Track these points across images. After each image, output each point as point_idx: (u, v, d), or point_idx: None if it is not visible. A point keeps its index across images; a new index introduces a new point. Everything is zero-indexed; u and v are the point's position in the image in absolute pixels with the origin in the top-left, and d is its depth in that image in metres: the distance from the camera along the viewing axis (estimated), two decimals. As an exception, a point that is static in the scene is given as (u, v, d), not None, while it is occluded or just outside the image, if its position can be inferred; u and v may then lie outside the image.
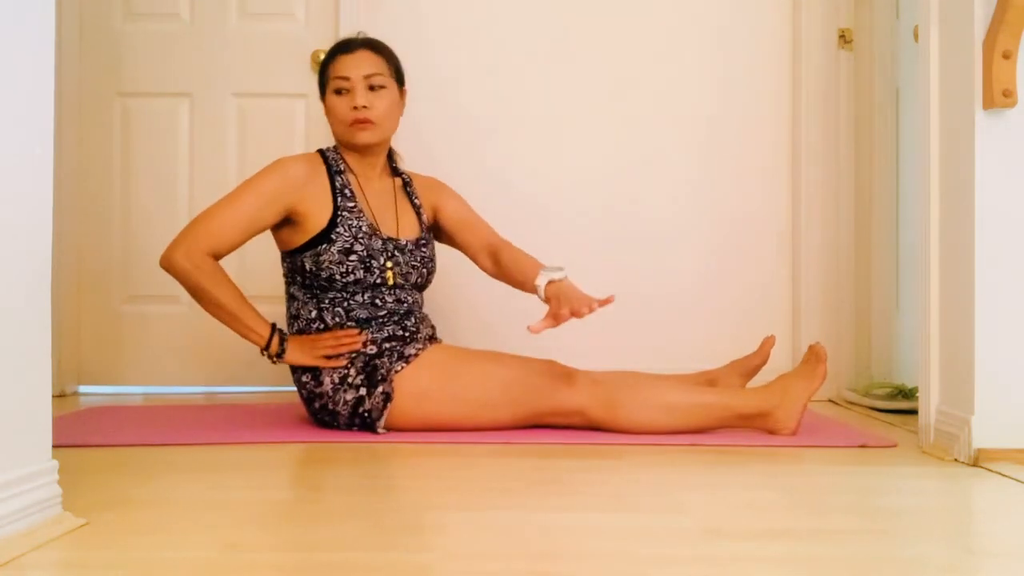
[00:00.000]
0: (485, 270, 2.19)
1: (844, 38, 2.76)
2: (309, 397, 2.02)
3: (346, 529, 1.22)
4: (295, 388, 2.08)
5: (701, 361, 2.41)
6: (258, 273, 2.69)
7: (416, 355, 1.97)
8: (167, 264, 1.94)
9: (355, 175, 2.10)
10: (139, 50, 2.82)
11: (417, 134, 2.66)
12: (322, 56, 2.76)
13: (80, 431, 2.00)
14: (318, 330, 2.01)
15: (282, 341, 1.98)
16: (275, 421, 2.15)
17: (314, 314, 2.02)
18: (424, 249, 2.14)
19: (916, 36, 2.08)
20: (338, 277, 1.99)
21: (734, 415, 1.95)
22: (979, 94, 1.68)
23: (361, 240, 2.01)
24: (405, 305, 2.07)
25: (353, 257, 1.99)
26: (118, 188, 2.83)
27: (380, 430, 1.96)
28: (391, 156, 2.22)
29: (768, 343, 2.19)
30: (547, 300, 1.89)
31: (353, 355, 1.98)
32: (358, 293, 2.02)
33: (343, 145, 2.11)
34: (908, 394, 2.42)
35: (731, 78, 2.82)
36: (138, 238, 2.82)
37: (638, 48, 2.82)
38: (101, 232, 2.83)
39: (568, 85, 2.81)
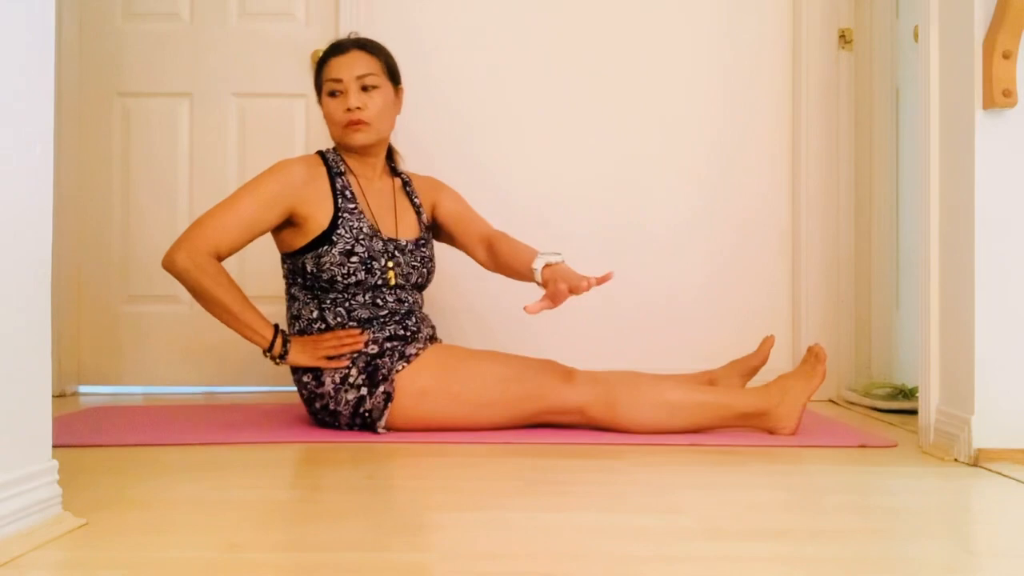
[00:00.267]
0: (482, 263, 2.17)
1: (844, 38, 2.76)
2: (310, 397, 2.02)
3: (346, 529, 1.22)
4: (295, 388, 2.08)
5: (701, 361, 2.42)
6: (258, 274, 2.69)
7: (417, 354, 1.97)
8: (169, 265, 1.93)
9: (355, 176, 2.11)
10: (139, 50, 2.83)
11: (414, 137, 2.67)
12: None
13: (80, 431, 2.00)
14: (319, 330, 2.01)
15: (285, 342, 1.98)
16: (275, 421, 2.15)
17: (316, 314, 2.02)
18: (424, 249, 2.14)
19: (916, 36, 2.08)
20: (339, 278, 1.99)
21: (734, 414, 1.95)
22: (979, 94, 1.68)
23: (362, 241, 2.01)
24: (406, 305, 2.08)
25: (354, 259, 1.99)
26: (118, 188, 2.83)
27: (380, 430, 1.96)
28: (391, 156, 2.22)
29: (767, 343, 2.19)
30: (544, 283, 1.88)
31: (355, 355, 1.98)
32: (359, 294, 2.02)
33: (340, 147, 2.12)
34: (908, 394, 2.42)
35: (731, 78, 2.82)
36: (138, 238, 2.82)
37: (637, 49, 2.81)
38: (101, 232, 2.83)
39: (567, 86, 2.81)
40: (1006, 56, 1.64)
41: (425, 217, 2.20)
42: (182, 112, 2.84)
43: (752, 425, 1.98)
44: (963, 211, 1.72)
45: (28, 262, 1.16)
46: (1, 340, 1.10)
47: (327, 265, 1.98)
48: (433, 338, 2.15)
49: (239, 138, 2.83)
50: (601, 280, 1.79)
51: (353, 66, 2.05)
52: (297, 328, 2.05)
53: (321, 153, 2.12)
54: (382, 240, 2.04)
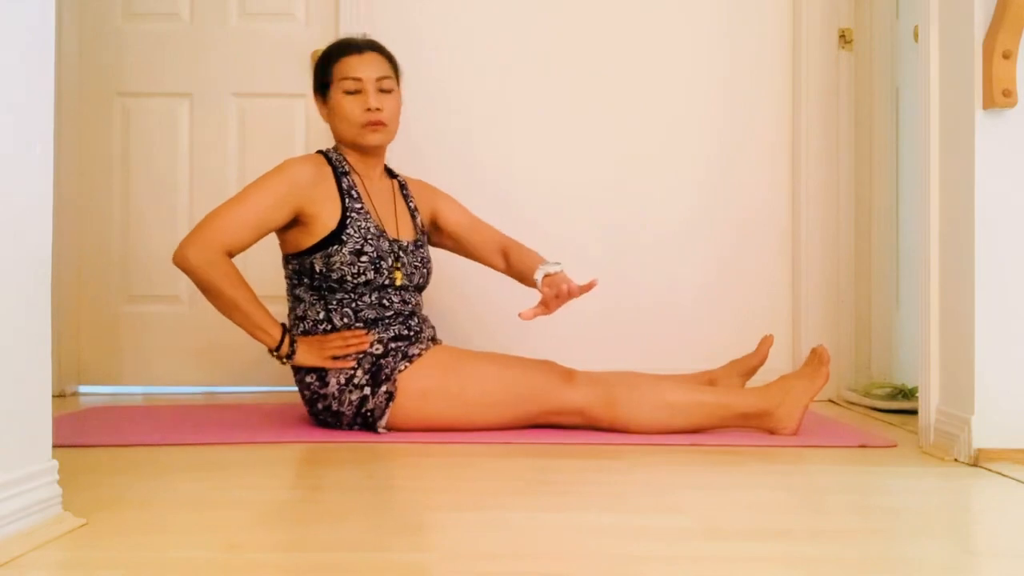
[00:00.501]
0: (497, 268, 2.24)
1: (844, 38, 2.76)
2: (313, 398, 2.01)
3: (346, 529, 1.22)
4: (295, 388, 2.08)
5: (701, 361, 2.42)
6: (258, 273, 2.69)
7: (420, 355, 1.98)
8: (181, 262, 1.92)
9: (359, 176, 2.10)
10: (139, 50, 2.82)
11: (413, 137, 2.66)
12: (321, 56, 2.77)
13: (80, 431, 2.00)
14: (325, 331, 2.01)
15: (292, 342, 1.98)
16: (275, 421, 2.15)
17: (322, 315, 2.01)
18: (422, 251, 2.15)
19: (916, 36, 2.08)
20: (349, 278, 1.99)
21: (735, 414, 1.95)
22: (979, 94, 1.68)
23: (371, 241, 2.01)
24: (409, 306, 2.08)
25: (364, 258, 1.99)
26: (118, 188, 2.83)
27: (381, 429, 1.96)
28: None
29: (766, 343, 2.19)
30: (542, 292, 2.00)
31: (360, 356, 1.98)
32: (366, 294, 2.01)
33: (348, 146, 2.11)
34: (908, 394, 2.42)
35: (731, 78, 2.82)
36: (138, 238, 2.82)
37: (637, 49, 2.81)
38: (101, 232, 2.83)
39: (567, 87, 2.81)
40: (1006, 56, 1.64)
41: (420, 220, 2.20)
42: (182, 112, 2.84)
43: (753, 425, 1.98)
44: (963, 211, 1.72)
45: (28, 262, 1.16)
46: (1, 340, 1.10)
47: (337, 264, 1.98)
48: (434, 339, 2.15)
49: (239, 138, 2.83)
50: (584, 289, 1.91)
51: (372, 67, 2.05)
52: (302, 329, 2.04)
53: (323, 153, 2.11)
54: (388, 240, 2.05)
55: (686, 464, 1.70)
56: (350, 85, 2.04)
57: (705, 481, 1.57)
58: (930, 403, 1.82)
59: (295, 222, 2.01)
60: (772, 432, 1.96)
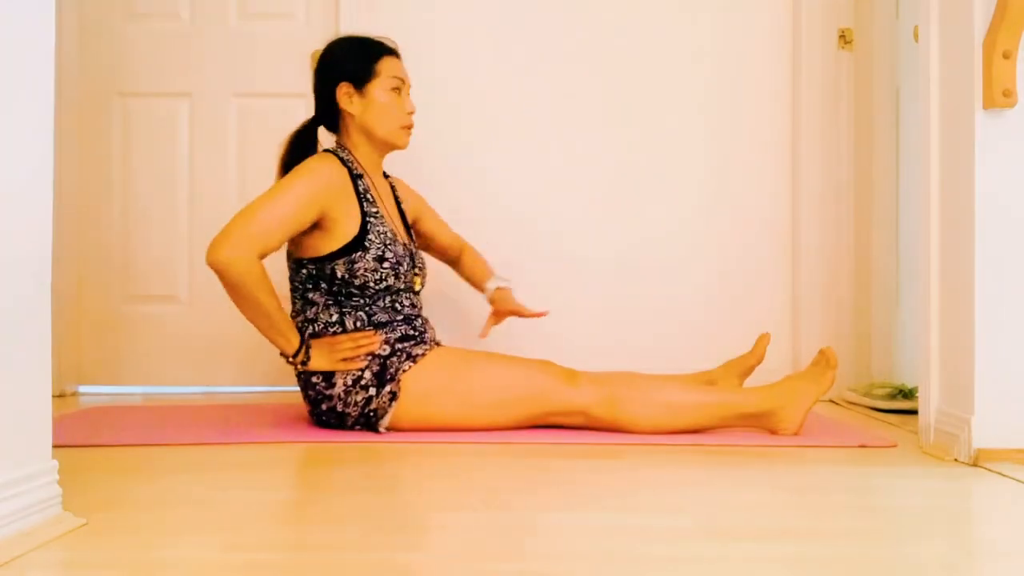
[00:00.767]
0: (453, 268, 2.44)
1: (844, 38, 2.76)
2: (317, 399, 2.00)
3: (346, 529, 1.22)
4: (295, 388, 2.08)
5: (701, 361, 2.41)
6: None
7: (424, 355, 1.98)
8: (223, 265, 1.83)
9: (369, 178, 2.09)
10: (139, 50, 2.83)
11: (412, 137, 2.65)
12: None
13: (80, 431, 2.00)
14: (335, 333, 2.00)
15: (307, 348, 1.97)
16: (275, 421, 2.15)
17: (335, 318, 2.00)
18: (417, 252, 2.16)
19: (916, 36, 2.08)
20: (371, 284, 1.98)
21: (737, 414, 1.95)
22: (979, 94, 1.68)
23: (390, 247, 2.01)
24: (416, 308, 2.09)
25: (386, 264, 1.99)
26: (118, 188, 2.83)
27: (382, 429, 1.96)
28: None
29: (763, 341, 2.19)
30: (491, 301, 2.32)
31: (369, 357, 1.97)
32: (380, 298, 2.01)
33: (377, 143, 2.08)
34: (908, 394, 2.42)
35: (731, 79, 2.82)
36: (138, 238, 2.82)
37: (637, 50, 2.81)
38: (101, 232, 2.83)
39: (566, 87, 2.80)
40: (1006, 56, 1.64)
41: (408, 220, 2.23)
42: (182, 112, 2.83)
43: (755, 425, 1.98)
44: (963, 211, 1.72)
45: (28, 262, 1.16)
46: (1, 340, 1.10)
47: (360, 271, 1.96)
48: (436, 340, 2.15)
49: (239, 138, 2.83)
50: (533, 315, 2.26)
51: (407, 71, 2.12)
52: (311, 331, 2.01)
53: (333, 152, 2.07)
54: (401, 244, 2.05)
55: (687, 464, 1.70)
56: (397, 84, 2.06)
57: (706, 481, 1.57)
58: (930, 403, 1.82)
59: (314, 225, 1.97)
60: (774, 432, 1.96)
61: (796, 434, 1.95)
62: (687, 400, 1.95)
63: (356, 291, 1.98)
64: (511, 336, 2.56)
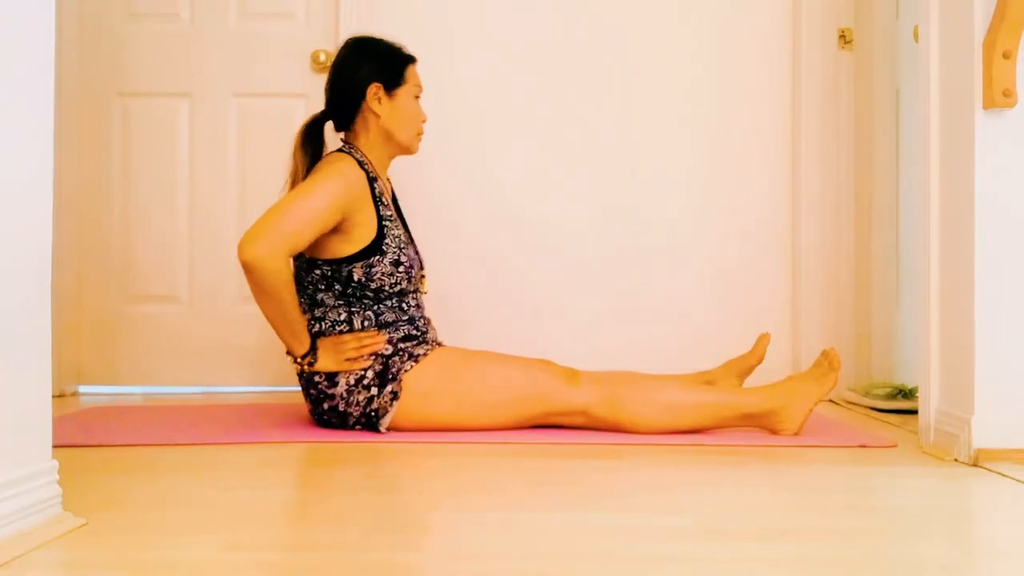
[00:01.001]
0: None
1: (844, 38, 2.76)
2: (319, 398, 2.00)
3: (346, 529, 1.22)
4: (295, 388, 2.08)
5: (701, 361, 2.42)
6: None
7: (425, 355, 1.98)
8: (258, 263, 1.82)
9: (381, 180, 2.10)
10: (139, 50, 2.83)
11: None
12: (322, 56, 2.78)
13: (80, 431, 2.00)
14: (340, 332, 1.99)
15: (315, 350, 1.97)
16: (275, 421, 2.15)
17: (343, 317, 1.99)
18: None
19: (916, 36, 2.08)
20: (387, 288, 1.99)
21: (739, 414, 1.95)
22: (979, 94, 1.68)
23: (404, 250, 2.02)
24: (420, 308, 2.10)
25: (400, 268, 2.00)
26: (118, 188, 2.83)
27: (383, 429, 1.96)
28: None
29: (763, 341, 2.19)
30: None
31: (372, 357, 1.97)
32: (390, 299, 2.01)
33: (398, 148, 2.11)
34: (908, 394, 2.42)
35: (731, 78, 2.82)
36: (138, 238, 2.82)
37: (636, 50, 2.81)
38: (101, 232, 2.83)
39: (566, 87, 2.81)
40: (1006, 56, 1.64)
41: (406, 221, 2.23)
42: (182, 112, 2.84)
43: (756, 425, 1.98)
44: (963, 211, 1.72)
45: (28, 262, 1.16)
46: (1, 340, 1.10)
47: (378, 275, 1.97)
48: (437, 340, 2.15)
49: (239, 138, 2.83)
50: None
51: None
52: (317, 329, 2.00)
53: (348, 154, 2.05)
54: (413, 247, 2.06)
55: (687, 464, 1.70)
56: (418, 92, 2.12)
57: (706, 481, 1.57)
58: (930, 403, 1.82)
59: (334, 228, 1.96)
60: (774, 432, 1.96)
61: (797, 434, 1.95)
62: (688, 400, 1.95)
63: (371, 294, 1.99)
64: (511, 336, 2.56)
